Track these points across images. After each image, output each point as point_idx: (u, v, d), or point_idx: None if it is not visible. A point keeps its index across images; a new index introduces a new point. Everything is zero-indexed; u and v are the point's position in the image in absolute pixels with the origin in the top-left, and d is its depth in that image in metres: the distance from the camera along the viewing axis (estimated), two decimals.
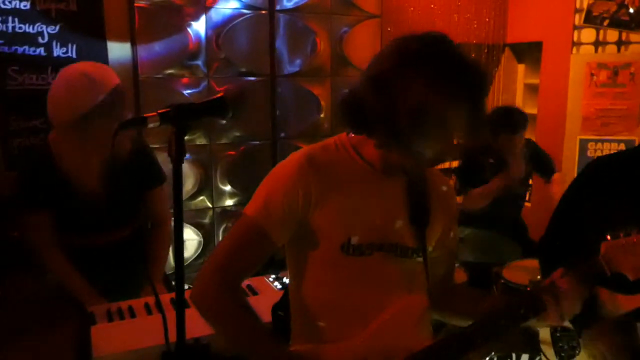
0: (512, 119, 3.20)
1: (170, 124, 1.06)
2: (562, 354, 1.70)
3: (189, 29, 3.31)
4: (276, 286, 2.12)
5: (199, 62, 3.40)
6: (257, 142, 3.65)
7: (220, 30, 3.38)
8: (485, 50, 4.35)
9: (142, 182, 2.21)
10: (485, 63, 4.39)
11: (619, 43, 3.74)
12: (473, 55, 4.30)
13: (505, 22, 4.36)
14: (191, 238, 3.55)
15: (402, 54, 1.15)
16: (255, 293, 2.07)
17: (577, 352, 1.68)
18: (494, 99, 4.54)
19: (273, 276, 2.20)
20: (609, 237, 1.20)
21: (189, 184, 3.45)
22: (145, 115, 1.05)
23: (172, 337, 1.14)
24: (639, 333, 1.51)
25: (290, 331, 1.39)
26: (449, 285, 1.47)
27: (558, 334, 1.72)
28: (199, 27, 3.33)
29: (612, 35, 3.74)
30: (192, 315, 1.19)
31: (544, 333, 1.75)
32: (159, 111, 1.05)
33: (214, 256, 1.28)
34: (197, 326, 1.58)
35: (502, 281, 2.97)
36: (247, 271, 1.29)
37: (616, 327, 1.56)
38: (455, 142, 1.15)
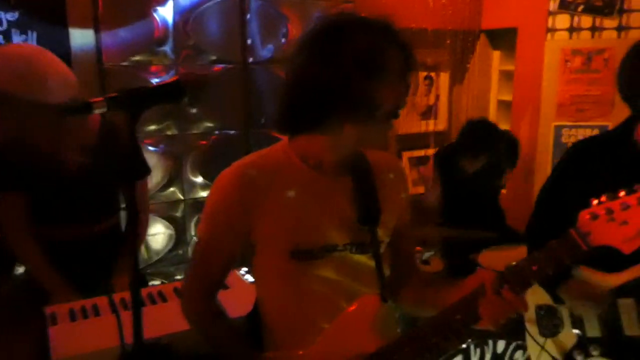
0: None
1: (120, 109, 0.98)
2: (546, 331, 1.68)
3: (155, 14, 3.20)
4: (247, 279, 2.07)
5: (167, 49, 3.28)
6: (230, 131, 3.56)
7: (188, 16, 3.27)
8: (461, 37, 4.31)
9: (126, 173, 2.12)
10: (461, 49, 4.36)
11: (593, 29, 3.73)
12: (448, 41, 4.26)
13: (480, 8, 4.32)
14: (162, 231, 3.46)
15: (329, 29, 1.17)
16: (226, 287, 2.00)
17: (560, 329, 1.66)
18: (470, 86, 4.52)
19: (245, 269, 2.14)
20: (593, 202, 1.06)
21: (158, 175, 3.35)
22: (91, 100, 0.97)
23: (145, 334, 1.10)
24: (619, 309, 1.48)
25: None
26: (411, 272, 1.46)
27: (542, 312, 1.70)
28: (165, 12, 3.21)
29: (586, 21, 3.73)
30: (158, 312, 1.14)
31: (529, 311, 1.74)
32: (107, 96, 0.97)
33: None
34: (163, 323, 1.53)
35: (479, 268, 2.97)
36: (217, 282, 1.36)
37: (595, 298, 1.54)
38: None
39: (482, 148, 3.21)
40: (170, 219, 3.50)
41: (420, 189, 4.29)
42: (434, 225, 3.38)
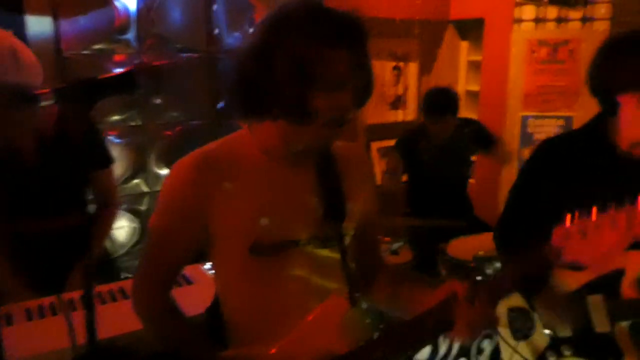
0: (440, 102, 3.18)
1: (68, 101, 0.92)
2: (519, 334, 1.68)
3: (116, 2, 3.10)
4: (212, 274, 2.02)
5: (130, 38, 3.19)
6: (196, 121, 3.49)
7: (152, 3, 3.19)
8: (429, 27, 4.31)
9: (87, 163, 2.04)
10: (429, 39, 4.36)
11: (559, 20, 3.77)
12: (417, 31, 4.25)
13: None
14: (126, 225, 3.38)
15: (276, 21, 1.10)
16: (189, 282, 1.96)
17: (532, 331, 1.66)
18: (438, 76, 4.53)
19: (209, 264, 2.10)
20: (567, 220, 1.09)
21: (122, 167, 3.27)
22: (37, 92, 0.92)
23: (105, 333, 1.05)
24: (588, 306, 1.49)
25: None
26: (379, 264, 1.45)
27: (514, 315, 1.71)
28: None
29: (552, 12, 3.77)
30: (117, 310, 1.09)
31: (501, 313, 1.75)
32: (55, 87, 0.92)
33: (137, 269, 1.30)
34: (121, 322, 1.47)
35: (447, 258, 2.98)
36: (171, 277, 1.29)
37: (565, 297, 1.55)
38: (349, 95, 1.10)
39: (446, 110, 3.19)
40: (134, 212, 3.43)
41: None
42: (401, 215, 3.38)
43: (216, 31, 3.41)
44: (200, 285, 1.91)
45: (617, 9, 3.74)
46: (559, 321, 1.56)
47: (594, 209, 1.06)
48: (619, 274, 1.50)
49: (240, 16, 3.52)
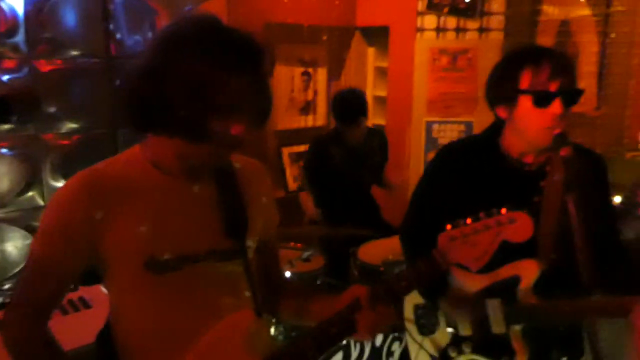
0: (350, 105, 3.23)
1: None
2: (424, 330, 1.74)
3: (0, 2, 2.86)
4: None
5: (19, 42, 2.96)
6: (96, 130, 3.30)
7: (42, 5, 2.97)
8: (336, 33, 4.36)
9: None
10: (337, 45, 4.41)
11: (458, 30, 3.94)
12: (325, 37, 4.29)
13: (354, 5, 4.40)
14: (19, 242, 3.14)
15: (172, 39, 1.08)
16: (88, 306, 1.85)
17: (437, 327, 1.73)
18: (347, 82, 4.60)
19: None
20: (448, 227, 1.19)
21: (13, 180, 3.03)
22: None
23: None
24: (487, 309, 1.56)
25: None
26: (280, 278, 1.46)
27: (420, 312, 1.77)
28: (13, 1, 2.89)
29: (451, 22, 3.93)
30: None
31: (407, 311, 1.81)
32: None
33: (12, 298, 1.21)
34: None
35: (358, 262, 3.03)
36: (49, 307, 1.20)
37: (466, 299, 1.62)
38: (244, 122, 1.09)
39: (357, 113, 3.24)
40: (28, 228, 3.18)
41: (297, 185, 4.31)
42: (310, 223, 3.40)
43: (116, 35, 3.24)
44: (100, 309, 1.81)
45: (509, 20, 3.97)
46: (460, 320, 1.64)
47: (469, 218, 1.17)
48: (516, 280, 1.59)
49: (140, 20, 3.38)
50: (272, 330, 2.37)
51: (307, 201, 3.45)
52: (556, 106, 1.46)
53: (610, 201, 1.79)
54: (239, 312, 1.22)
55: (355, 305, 1.19)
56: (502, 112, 1.58)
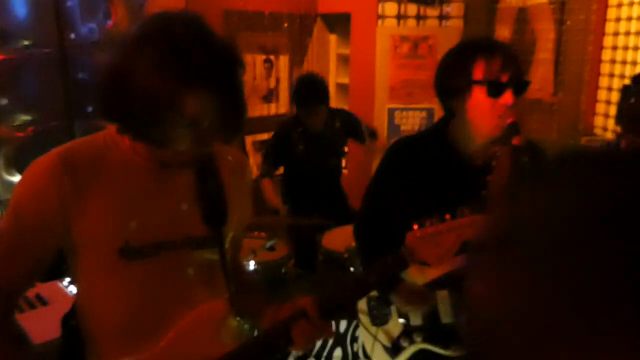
0: (310, 92, 3.21)
1: None
2: (377, 321, 1.78)
3: None
4: (71, 291, 1.88)
5: None
6: (51, 122, 3.21)
7: None
8: (298, 20, 4.33)
9: None
10: (299, 33, 4.39)
11: (418, 17, 3.97)
12: (286, 25, 4.26)
13: None
14: None
15: (140, 41, 1.04)
16: (45, 303, 1.81)
17: (389, 318, 1.76)
18: (309, 69, 4.58)
19: (68, 280, 1.95)
20: (415, 227, 1.25)
21: None
22: None
23: None
24: (437, 300, 1.60)
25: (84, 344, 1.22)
26: (241, 268, 1.47)
27: (373, 303, 1.79)
28: None
29: (412, 9, 3.95)
30: None
31: (360, 302, 1.83)
32: None
33: None
34: None
35: (322, 250, 3.05)
36: (14, 295, 1.16)
37: (417, 291, 1.66)
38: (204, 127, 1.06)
39: (317, 100, 3.22)
40: None
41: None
42: (272, 212, 3.39)
43: (69, 24, 3.15)
44: (58, 305, 1.77)
45: (469, 8, 4.02)
46: (411, 311, 1.68)
47: (434, 217, 1.23)
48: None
49: (94, 8, 3.29)
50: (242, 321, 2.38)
51: (269, 189, 3.42)
52: (507, 96, 1.50)
53: None
54: (212, 301, 1.21)
55: (295, 317, 1.20)
56: (454, 104, 1.60)
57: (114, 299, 1.16)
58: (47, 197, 1.07)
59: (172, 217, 1.17)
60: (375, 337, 1.73)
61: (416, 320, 1.67)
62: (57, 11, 3.10)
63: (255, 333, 1.70)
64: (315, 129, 3.29)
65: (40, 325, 1.61)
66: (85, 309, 1.20)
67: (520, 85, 1.53)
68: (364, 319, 1.81)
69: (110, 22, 3.33)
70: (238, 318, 1.33)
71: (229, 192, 1.26)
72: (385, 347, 1.76)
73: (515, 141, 1.46)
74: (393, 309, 1.75)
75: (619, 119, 1.98)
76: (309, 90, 3.19)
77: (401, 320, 1.72)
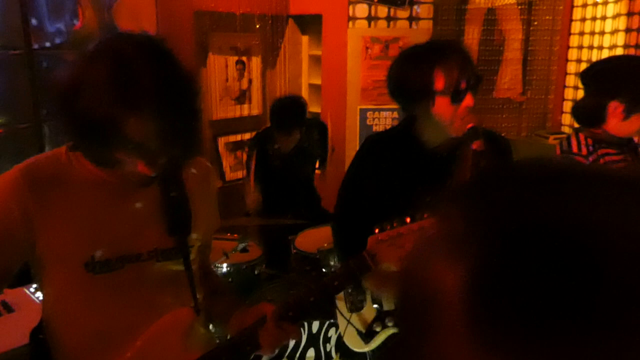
0: (287, 116, 3.24)
1: None
2: (353, 307, 1.82)
3: None
4: (38, 298, 1.86)
5: None
6: (19, 125, 3.17)
7: None
8: (270, 21, 4.33)
9: None
10: (271, 34, 4.39)
11: (389, 19, 4.00)
12: (258, 26, 4.26)
13: None
14: None
15: (91, 52, 1.04)
16: (10, 310, 1.79)
17: (364, 304, 1.80)
18: (282, 69, 4.59)
19: (34, 286, 1.93)
20: (376, 231, 1.27)
21: None
22: None
23: None
24: None
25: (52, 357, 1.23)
26: (211, 274, 1.48)
27: (349, 290, 1.84)
28: None
29: (382, 11, 3.99)
30: None
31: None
32: None
33: None
34: None
35: (295, 251, 3.06)
36: None
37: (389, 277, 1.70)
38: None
39: (293, 125, 3.26)
40: None
41: (238, 174, 4.29)
42: (248, 214, 3.40)
43: (35, 25, 3.10)
44: (24, 312, 1.76)
45: (438, 9, 4.07)
46: (384, 297, 1.72)
47: (395, 220, 1.24)
48: None
49: (62, 9, 3.25)
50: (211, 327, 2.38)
51: (249, 192, 3.47)
52: (468, 99, 1.55)
53: None
54: (178, 309, 1.22)
55: (260, 322, 1.23)
56: (415, 109, 1.63)
57: (80, 312, 1.17)
58: (10, 213, 1.07)
59: (136, 230, 1.18)
60: (349, 322, 1.77)
61: (389, 305, 1.71)
62: (25, 13, 3.05)
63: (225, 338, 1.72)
64: (288, 149, 3.34)
65: (6, 333, 1.59)
66: (53, 322, 1.21)
67: (476, 84, 1.59)
68: (340, 304, 1.85)
69: (78, 24, 3.29)
70: (205, 325, 1.34)
71: (194, 202, 1.27)
72: (359, 333, 1.80)
73: (474, 146, 1.50)
74: (368, 294, 1.79)
75: (573, 114, 2.07)
76: (287, 113, 3.23)
77: (375, 306, 1.76)
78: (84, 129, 1.01)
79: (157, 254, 1.20)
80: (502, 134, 4.62)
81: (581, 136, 1.95)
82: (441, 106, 1.57)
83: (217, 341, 1.79)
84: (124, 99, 0.98)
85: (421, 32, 3.95)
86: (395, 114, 4.12)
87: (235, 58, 4.27)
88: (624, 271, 0.27)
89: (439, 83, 1.55)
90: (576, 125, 2.07)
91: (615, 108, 1.87)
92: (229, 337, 1.31)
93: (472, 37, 4.53)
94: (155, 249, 1.19)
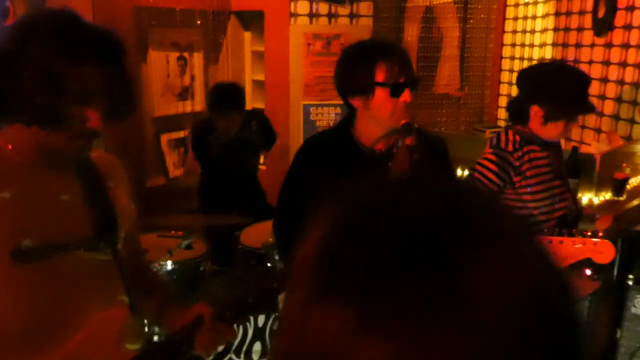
0: (224, 98, 3.25)
1: None
2: None
3: None
4: None
5: None
6: None
7: None
8: (211, 17, 4.31)
9: None
10: (213, 30, 4.36)
11: (330, 15, 4.06)
12: (199, 21, 4.23)
13: None
14: None
15: (26, 28, 1.10)
16: None
17: None
18: (224, 66, 4.57)
19: None
20: None
21: None
22: None
23: None
24: None
25: None
26: (145, 272, 1.48)
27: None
28: None
29: (324, 8, 4.04)
30: None
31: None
32: None
33: None
34: None
35: (240, 246, 3.07)
36: None
37: None
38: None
39: (231, 106, 3.26)
40: None
41: (182, 171, 4.24)
42: (191, 211, 3.38)
43: None
44: None
45: (378, 7, 4.17)
46: None
47: None
48: None
49: None
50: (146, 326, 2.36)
51: (187, 162, 3.47)
52: (406, 94, 1.62)
53: (454, 177, 1.99)
54: (112, 308, 1.22)
55: (197, 323, 1.24)
56: (356, 102, 1.70)
57: (8, 303, 1.14)
58: None
59: (62, 219, 1.17)
60: None
61: None
62: None
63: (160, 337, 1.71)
64: (228, 134, 3.31)
65: None
66: None
67: (414, 84, 1.68)
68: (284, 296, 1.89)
69: (8, 20, 3.17)
70: (140, 323, 1.34)
71: (112, 191, 1.28)
72: None
73: (407, 141, 1.58)
74: None
75: (507, 110, 2.21)
76: (224, 96, 3.21)
77: None
78: (35, 89, 1.04)
79: (84, 243, 1.19)
80: (442, 128, 4.80)
81: (510, 133, 2.07)
82: (380, 98, 1.64)
83: (154, 340, 1.79)
84: (74, 48, 1.07)
85: (362, 29, 4.04)
86: (338, 110, 4.18)
87: (177, 54, 4.22)
88: (432, 230, 0.38)
89: (380, 75, 1.63)
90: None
91: (536, 112, 2.00)
92: (163, 337, 1.32)
93: (411, 34, 4.66)
94: (83, 238, 1.19)
